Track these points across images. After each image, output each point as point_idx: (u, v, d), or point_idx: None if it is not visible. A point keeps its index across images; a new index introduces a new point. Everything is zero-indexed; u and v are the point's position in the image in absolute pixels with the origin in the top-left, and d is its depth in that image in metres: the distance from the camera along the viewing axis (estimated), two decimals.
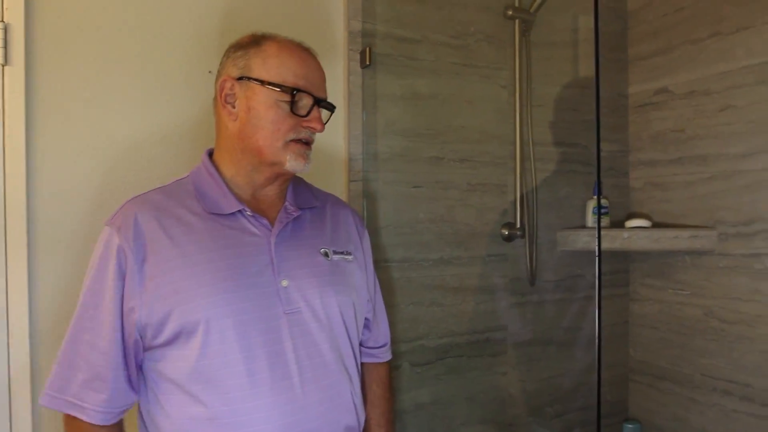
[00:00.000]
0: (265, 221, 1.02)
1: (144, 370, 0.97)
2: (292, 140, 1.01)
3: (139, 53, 1.32)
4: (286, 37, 1.05)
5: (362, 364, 1.19)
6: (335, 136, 1.57)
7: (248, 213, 1.01)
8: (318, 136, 1.53)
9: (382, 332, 1.23)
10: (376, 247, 1.59)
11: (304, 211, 1.08)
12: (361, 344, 1.18)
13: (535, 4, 1.76)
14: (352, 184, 1.57)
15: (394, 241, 1.61)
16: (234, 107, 1.01)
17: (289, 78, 1.00)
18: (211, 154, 1.08)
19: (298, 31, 1.50)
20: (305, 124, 1.02)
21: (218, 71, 1.06)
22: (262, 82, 0.99)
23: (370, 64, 1.57)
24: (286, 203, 1.07)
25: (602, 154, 1.99)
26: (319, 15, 1.55)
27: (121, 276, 0.93)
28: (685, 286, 1.86)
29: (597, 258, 1.13)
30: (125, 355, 0.94)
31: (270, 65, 1.00)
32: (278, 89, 0.99)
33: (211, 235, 0.97)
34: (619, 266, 2.03)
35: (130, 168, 1.31)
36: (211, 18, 1.39)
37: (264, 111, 0.99)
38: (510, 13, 1.74)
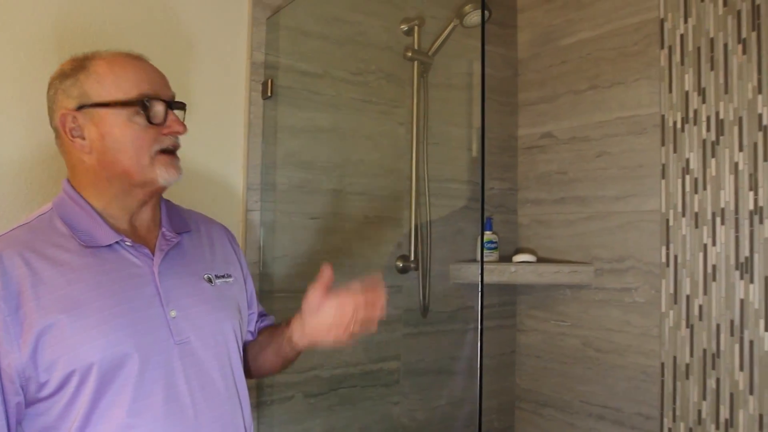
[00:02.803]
0: (145, 250, 0.97)
1: (22, 428, 0.89)
2: (158, 152, 0.97)
3: None
4: (110, 51, 0.99)
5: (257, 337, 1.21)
6: (234, 165, 1.57)
7: (127, 243, 0.95)
8: (216, 166, 1.54)
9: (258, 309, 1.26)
10: (272, 277, 1.59)
11: (181, 235, 1.05)
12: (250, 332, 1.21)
13: (433, 48, 1.86)
14: (249, 213, 1.57)
15: (290, 271, 1.62)
16: (84, 139, 0.95)
17: (132, 89, 0.94)
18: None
19: (201, 60, 1.51)
20: (166, 131, 0.97)
21: (50, 108, 0.98)
22: (107, 105, 0.93)
23: (271, 96, 1.59)
24: (163, 229, 1.02)
25: (494, 191, 2.11)
26: (222, 45, 1.56)
27: None
28: (566, 318, 1.99)
29: (480, 292, 1.20)
30: (7, 416, 0.86)
31: (107, 84, 0.94)
32: (127, 106, 0.93)
33: (92, 271, 0.91)
34: (507, 298, 2.14)
35: None
36: (104, 47, 1.35)
37: (120, 133, 0.94)
38: (409, 54, 1.83)
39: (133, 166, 0.95)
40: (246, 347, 1.19)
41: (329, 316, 1.04)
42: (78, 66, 0.96)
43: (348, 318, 1.03)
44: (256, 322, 1.23)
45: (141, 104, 0.94)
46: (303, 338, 1.09)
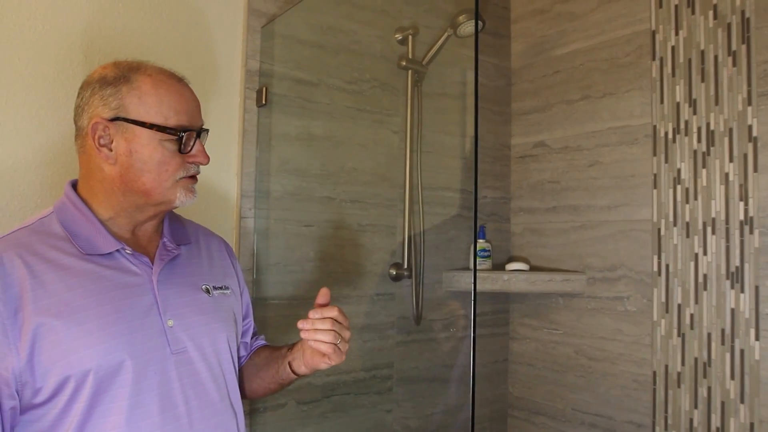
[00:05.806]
0: (145, 259, 0.97)
1: None
2: (181, 177, 0.98)
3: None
4: (155, 67, 0.99)
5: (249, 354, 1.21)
6: (228, 172, 1.57)
7: (127, 252, 0.96)
8: (210, 173, 1.54)
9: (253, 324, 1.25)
10: (265, 285, 1.59)
11: (181, 247, 1.06)
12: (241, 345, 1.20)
13: (427, 57, 1.87)
14: (243, 220, 1.57)
15: (284, 278, 1.62)
16: (111, 150, 0.94)
17: (171, 116, 0.95)
18: (75, 185, 1.00)
19: (196, 67, 1.51)
20: (191, 159, 0.99)
21: (79, 106, 0.97)
22: (144, 124, 0.94)
23: (266, 104, 1.60)
24: (164, 239, 1.03)
25: (487, 200, 2.12)
26: (218, 52, 1.56)
27: None
28: (558, 326, 2.00)
29: (473, 300, 1.20)
30: (2, 421, 0.85)
31: (149, 104, 0.94)
32: (163, 131, 0.94)
33: (91, 277, 0.91)
34: (500, 306, 2.15)
35: None
36: (100, 53, 1.36)
37: (149, 154, 0.94)
38: (403, 63, 1.84)
39: (155, 187, 0.96)
40: (241, 367, 1.20)
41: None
42: (121, 76, 0.96)
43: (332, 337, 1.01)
44: (252, 336, 1.23)
45: (177, 135, 0.95)
46: (303, 366, 1.08)
